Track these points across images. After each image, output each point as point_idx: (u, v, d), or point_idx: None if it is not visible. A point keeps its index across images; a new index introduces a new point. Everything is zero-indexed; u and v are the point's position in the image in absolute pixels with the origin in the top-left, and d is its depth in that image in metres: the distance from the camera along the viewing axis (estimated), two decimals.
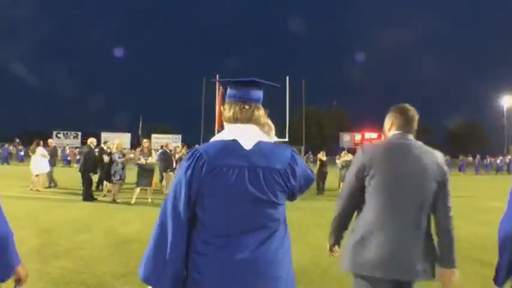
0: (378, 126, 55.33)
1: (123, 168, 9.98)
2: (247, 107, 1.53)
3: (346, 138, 52.10)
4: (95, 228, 6.47)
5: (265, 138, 1.54)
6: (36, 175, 11.67)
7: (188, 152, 1.51)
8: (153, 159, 10.27)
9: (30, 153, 12.13)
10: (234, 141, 1.47)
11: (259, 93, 1.58)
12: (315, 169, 15.11)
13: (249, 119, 1.52)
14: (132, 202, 9.51)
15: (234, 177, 1.40)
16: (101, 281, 3.90)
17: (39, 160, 11.78)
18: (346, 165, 13.38)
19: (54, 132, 45.83)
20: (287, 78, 35.84)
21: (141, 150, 10.33)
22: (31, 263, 4.38)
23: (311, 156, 40.42)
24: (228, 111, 1.54)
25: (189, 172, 1.42)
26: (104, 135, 42.99)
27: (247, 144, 1.46)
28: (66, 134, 45.79)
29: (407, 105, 2.13)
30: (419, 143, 2.05)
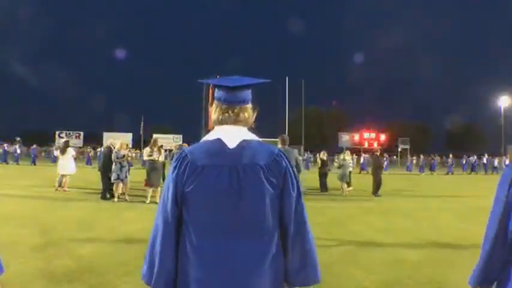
0: (377, 126, 55.48)
1: (121, 168, 9.97)
2: (230, 111, 1.50)
3: (345, 138, 52.14)
4: (97, 227, 6.50)
5: (251, 137, 1.51)
6: (64, 175, 11.71)
7: (177, 153, 1.53)
8: (162, 157, 10.05)
9: (59, 154, 12.02)
10: (219, 140, 1.46)
11: (244, 95, 1.52)
12: (316, 168, 15.08)
13: (235, 121, 1.50)
14: (147, 202, 9.54)
15: (215, 176, 1.39)
16: (104, 280, 3.93)
17: (69, 160, 11.85)
18: (343, 164, 13.47)
19: (57, 132, 45.87)
20: (286, 78, 35.96)
21: (151, 147, 9.97)
22: (34, 262, 4.43)
23: (311, 155, 40.39)
24: (213, 114, 1.54)
25: (174, 173, 1.45)
26: (106, 135, 43.02)
27: (231, 143, 1.44)
28: (69, 134, 45.82)
29: (284, 135, 7.22)
30: (289, 148, 6.94)
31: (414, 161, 36.61)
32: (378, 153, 13.86)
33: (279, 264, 1.44)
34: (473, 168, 32.31)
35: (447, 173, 30.21)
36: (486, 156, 33.27)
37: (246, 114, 1.52)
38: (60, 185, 12.13)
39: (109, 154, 10.37)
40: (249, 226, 1.39)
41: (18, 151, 30.06)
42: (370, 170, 13.91)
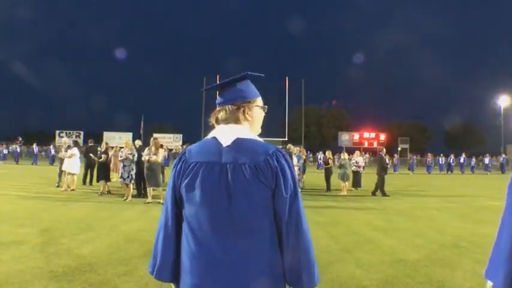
0: (377, 126, 55.48)
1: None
2: (222, 111, 1.54)
3: (345, 137, 52.13)
4: (97, 226, 6.50)
5: (246, 135, 1.50)
6: (68, 173, 11.82)
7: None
8: (159, 157, 9.71)
9: (75, 153, 12.09)
10: (214, 138, 1.50)
11: (233, 94, 1.54)
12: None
13: (227, 119, 1.52)
14: (147, 201, 9.56)
15: (206, 174, 1.41)
16: (103, 279, 3.93)
17: (75, 160, 11.96)
18: (344, 164, 13.46)
19: (57, 132, 45.91)
20: (286, 78, 35.95)
21: (149, 148, 9.89)
22: (34, 261, 4.43)
23: (310, 155, 40.41)
24: (213, 114, 1.58)
25: (173, 170, 1.51)
26: (106, 135, 43.01)
27: (226, 141, 1.46)
28: (69, 133, 45.87)
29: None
30: None
31: (415, 161, 36.63)
32: (383, 153, 13.67)
33: (274, 264, 1.42)
34: (449, 168, 32.18)
35: (426, 172, 30.35)
36: (464, 155, 33.01)
37: (238, 113, 1.53)
38: (58, 184, 12.25)
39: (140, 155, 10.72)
40: (238, 225, 1.39)
41: (19, 150, 30.18)
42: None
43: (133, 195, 10.64)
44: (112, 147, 12.72)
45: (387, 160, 13.68)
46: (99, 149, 12.95)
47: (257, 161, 1.41)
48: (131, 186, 10.21)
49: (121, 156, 10.12)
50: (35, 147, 30.15)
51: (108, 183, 11.38)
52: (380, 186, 12.68)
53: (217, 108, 1.57)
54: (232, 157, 1.42)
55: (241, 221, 1.39)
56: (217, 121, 1.55)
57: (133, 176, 10.13)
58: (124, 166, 10.00)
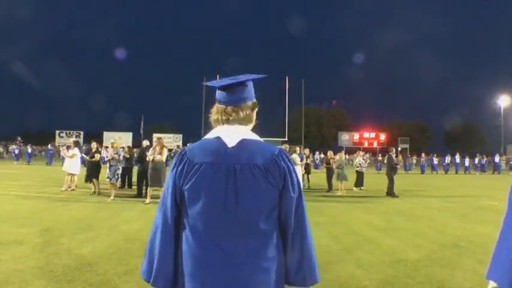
0: (377, 126, 55.50)
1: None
2: (226, 111, 1.50)
3: (345, 137, 52.13)
4: (97, 226, 6.50)
5: (251, 136, 1.49)
6: (69, 174, 11.82)
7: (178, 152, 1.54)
8: (163, 157, 9.59)
9: (76, 153, 12.13)
10: (218, 138, 1.46)
11: (239, 94, 1.50)
12: (322, 168, 14.98)
13: (232, 120, 1.49)
14: (146, 201, 9.53)
15: (212, 174, 1.38)
16: (103, 279, 3.93)
17: (75, 160, 11.99)
18: (342, 164, 13.46)
19: (57, 132, 45.92)
20: (286, 78, 35.95)
21: (154, 148, 9.79)
22: (34, 261, 4.43)
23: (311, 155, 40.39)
24: (213, 114, 1.54)
25: (173, 170, 1.45)
26: (106, 135, 43.01)
27: (231, 142, 1.44)
28: (69, 133, 45.88)
29: None
30: None
31: (415, 161, 36.62)
32: (392, 153, 13.59)
33: (278, 264, 1.42)
34: (445, 168, 32.11)
35: (421, 173, 30.43)
36: (457, 155, 32.86)
37: (242, 114, 1.50)
38: (69, 186, 12.25)
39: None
40: (246, 226, 1.38)
41: (30, 150, 30.14)
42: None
43: (133, 195, 10.67)
44: (106, 147, 12.82)
45: (396, 160, 13.59)
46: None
47: (265, 161, 1.41)
48: (116, 185, 10.36)
49: (107, 157, 10.27)
50: (50, 147, 30.09)
51: (98, 181, 11.37)
52: (389, 186, 12.68)
53: (226, 107, 1.50)
54: (239, 157, 1.40)
55: (247, 220, 1.37)
56: (219, 121, 1.51)
57: (120, 176, 10.32)
58: (110, 166, 10.10)
